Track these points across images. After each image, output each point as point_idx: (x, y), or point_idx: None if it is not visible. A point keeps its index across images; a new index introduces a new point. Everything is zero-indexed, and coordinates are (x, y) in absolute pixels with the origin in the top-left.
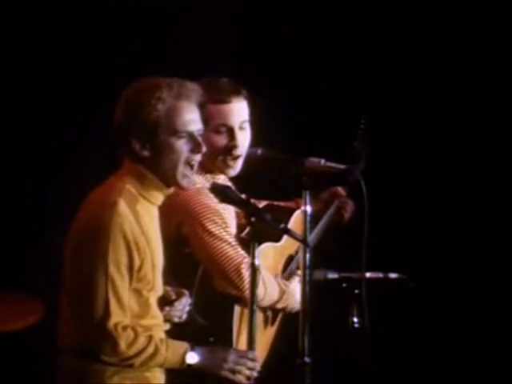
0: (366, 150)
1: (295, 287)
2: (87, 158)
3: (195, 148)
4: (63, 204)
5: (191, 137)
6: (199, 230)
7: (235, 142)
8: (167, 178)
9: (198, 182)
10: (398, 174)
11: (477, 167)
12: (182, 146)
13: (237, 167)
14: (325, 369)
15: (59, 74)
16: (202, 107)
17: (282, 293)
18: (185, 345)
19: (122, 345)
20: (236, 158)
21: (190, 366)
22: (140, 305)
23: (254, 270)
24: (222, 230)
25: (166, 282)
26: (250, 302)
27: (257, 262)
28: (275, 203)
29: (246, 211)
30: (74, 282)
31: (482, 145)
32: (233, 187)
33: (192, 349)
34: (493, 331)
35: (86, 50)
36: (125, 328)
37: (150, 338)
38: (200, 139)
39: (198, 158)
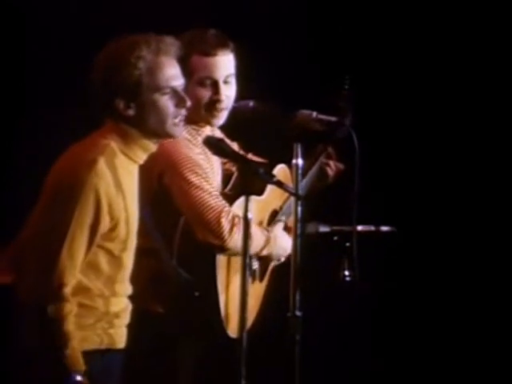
0: (351, 109)
1: (278, 232)
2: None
3: (180, 103)
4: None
5: (175, 92)
6: (179, 179)
7: (219, 96)
8: (155, 132)
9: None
10: (390, 127)
11: (468, 124)
12: (167, 101)
13: (221, 118)
14: (316, 322)
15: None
16: (185, 59)
17: (267, 239)
18: (81, 366)
19: (50, 310)
20: (220, 110)
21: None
22: (112, 266)
23: (247, 223)
24: (202, 180)
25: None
26: (243, 256)
27: (250, 215)
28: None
29: (239, 164)
30: (35, 233)
31: (471, 102)
32: (224, 139)
33: (79, 373)
34: (483, 284)
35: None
36: (65, 295)
37: (73, 333)
38: (183, 94)
39: (183, 112)
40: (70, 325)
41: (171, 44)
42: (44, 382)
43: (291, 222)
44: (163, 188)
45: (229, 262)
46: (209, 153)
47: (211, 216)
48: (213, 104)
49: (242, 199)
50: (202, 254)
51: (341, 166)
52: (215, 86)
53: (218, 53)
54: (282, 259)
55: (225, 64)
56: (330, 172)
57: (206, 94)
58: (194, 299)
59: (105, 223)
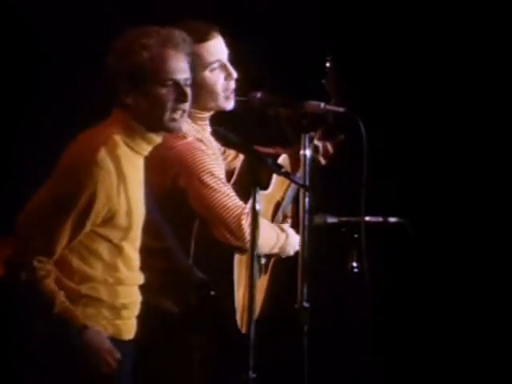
0: (335, 87)
1: (288, 229)
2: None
3: (180, 96)
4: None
5: (176, 85)
6: (197, 183)
7: (233, 75)
8: (153, 125)
9: (190, 135)
10: (399, 117)
11: (479, 114)
12: (167, 94)
13: (233, 99)
14: (323, 314)
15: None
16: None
17: (278, 237)
18: (78, 321)
19: (23, 276)
20: (233, 91)
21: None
22: (112, 253)
23: (255, 214)
24: (219, 182)
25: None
26: (251, 248)
27: (258, 206)
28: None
29: (248, 155)
30: (30, 204)
31: (480, 93)
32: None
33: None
34: (491, 275)
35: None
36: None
37: (57, 292)
38: (185, 88)
39: (183, 106)
40: (51, 285)
41: (182, 38)
42: (50, 348)
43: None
44: (178, 190)
45: (241, 261)
46: (216, 150)
47: (231, 218)
48: (228, 85)
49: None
50: (219, 254)
51: (330, 148)
52: (224, 68)
53: (214, 35)
54: (290, 254)
55: (223, 45)
56: (323, 158)
57: (218, 77)
58: (209, 298)
59: (97, 212)
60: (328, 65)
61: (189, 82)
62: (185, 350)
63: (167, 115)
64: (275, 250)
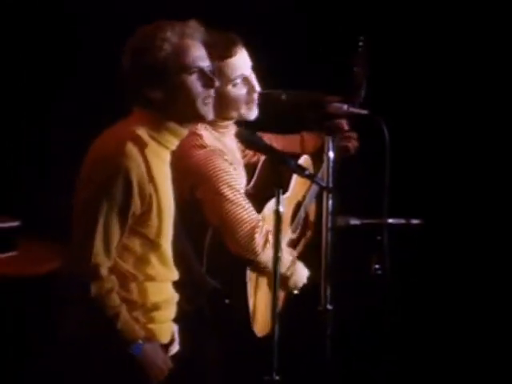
0: (366, 74)
1: (299, 263)
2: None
3: (208, 83)
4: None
5: (202, 72)
6: (213, 193)
7: (255, 88)
8: (185, 115)
9: (209, 143)
10: (420, 118)
11: (498, 116)
12: (195, 81)
13: (255, 109)
14: (346, 316)
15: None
16: (205, 45)
17: (293, 260)
18: (138, 333)
19: (93, 290)
20: (256, 102)
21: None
22: (145, 247)
23: (279, 216)
24: (236, 193)
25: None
26: (275, 250)
27: (281, 208)
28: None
29: (271, 157)
30: (73, 218)
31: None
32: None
33: (139, 340)
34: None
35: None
36: (104, 275)
37: (121, 305)
38: (211, 74)
39: (211, 93)
40: (116, 299)
41: (196, 28)
42: (105, 359)
43: (312, 212)
44: (195, 199)
45: (253, 274)
46: (237, 155)
47: (245, 231)
48: (251, 98)
49: (272, 201)
50: (232, 262)
51: (354, 135)
52: (247, 81)
53: (237, 50)
54: (295, 292)
55: (246, 58)
56: (351, 147)
57: (241, 92)
58: (223, 306)
59: (136, 205)
60: (360, 49)
61: (210, 69)
62: (196, 353)
63: (199, 101)
64: (288, 273)
